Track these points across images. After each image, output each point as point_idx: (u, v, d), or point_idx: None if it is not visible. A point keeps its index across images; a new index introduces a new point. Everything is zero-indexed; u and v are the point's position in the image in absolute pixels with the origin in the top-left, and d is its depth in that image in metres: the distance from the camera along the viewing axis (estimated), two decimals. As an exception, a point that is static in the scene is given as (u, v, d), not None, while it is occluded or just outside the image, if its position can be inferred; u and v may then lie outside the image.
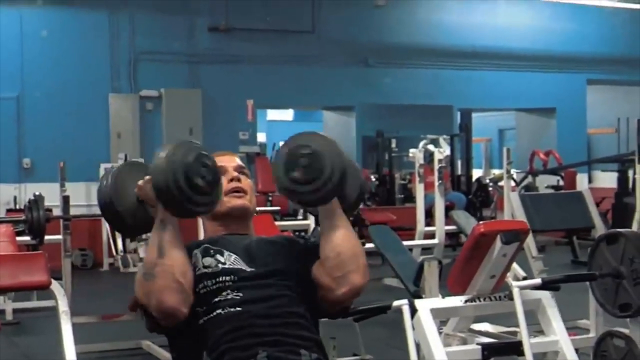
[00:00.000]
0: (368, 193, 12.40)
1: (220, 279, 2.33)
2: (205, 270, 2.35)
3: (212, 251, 2.40)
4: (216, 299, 2.30)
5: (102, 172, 11.14)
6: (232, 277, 2.34)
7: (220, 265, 2.36)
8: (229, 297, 2.31)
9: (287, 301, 2.34)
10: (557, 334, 3.59)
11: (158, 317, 2.26)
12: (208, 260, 2.37)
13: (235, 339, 2.25)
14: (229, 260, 2.39)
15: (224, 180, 2.49)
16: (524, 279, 5.06)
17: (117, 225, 2.45)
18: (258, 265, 2.39)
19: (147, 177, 2.29)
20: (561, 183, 12.49)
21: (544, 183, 12.59)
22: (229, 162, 2.59)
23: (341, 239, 2.36)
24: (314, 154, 2.33)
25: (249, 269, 2.37)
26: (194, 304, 2.29)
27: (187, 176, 2.23)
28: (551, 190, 11.82)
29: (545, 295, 3.63)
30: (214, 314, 2.28)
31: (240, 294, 2.31)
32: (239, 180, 2.55)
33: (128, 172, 2.40)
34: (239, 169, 2.58)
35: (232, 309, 2.29)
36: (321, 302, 2.39)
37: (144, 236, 8.64)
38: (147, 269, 2.24)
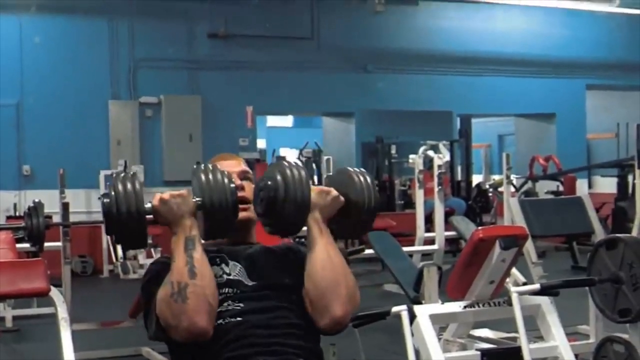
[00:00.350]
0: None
1: (224, 291, 2.33)
2: None
3: (218, 259, 2.39)
4: (218, 310, 2.29)
5: (101, 179, 11.17)
6: (236, 289, 2.35)
7: (225, 277, 2.36)
8: (230, 307, 2.31)
9: (287, 313, 2.34)
10: (557, 339, 3.59)
11: (185, 337, 2.22)
12: (214, 269, 2.35)
13: (235, 348, 2.25)
14: (234, 271, 2.38)
15: None
16: (524, 284, 5.06)
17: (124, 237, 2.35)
18: (260, 278, 2.38)
19: (178, 193, 2.27)
20: (561, 188, 12.50)
21: (544, 188, 12.60)
22: (234, 167, 2.54)
23: (320, 266, 2.30)
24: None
25: (251, 283, 2.37)
26: None
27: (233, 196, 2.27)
28: (551, 196, 11.82)
29: (545, 301, 3.63)
30: (216, 324, 2.27)
31: (241, 305, 2.31)
32: (243, 188, 2.50)
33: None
34: (243, 175, 2.55)
35: (232, 319, 2.29)
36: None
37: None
38: (178, 290, 2.19)
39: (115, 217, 2.21)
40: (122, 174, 2.29)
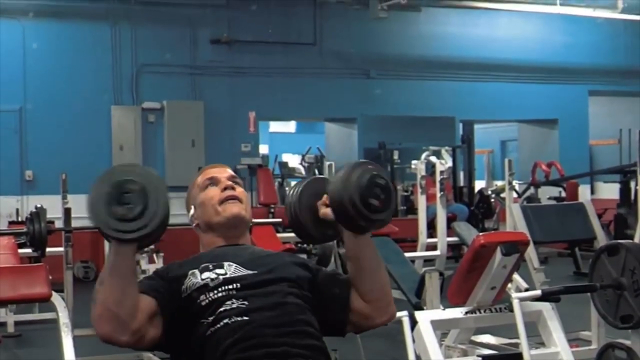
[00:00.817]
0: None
1: (223, 288, 2.31)
2: (205, 281, 2.32)
3: (210, 266, 2.37)
4: (221, 309, 2.28)
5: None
6: (236, 284, 2.32)
7: (221, 277, 2.34)
8: (234, 305, 2.28)
9: (292, 308, 2.32)
10: (558, 345, 3.59)
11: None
12: (206, 274, 2.35)
13: (243, 349, 2.23)
14: (230, 270, 2.36)
15: (217, 189, 2.50)
16: (526, 290, 5.06)
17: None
18: (261, 271, 2.37)
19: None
20: (563, 194, 12.47)
21: (546, 194, 12.58)
22: (221, 172, 2.57)
23: (382, 271, 2.43)
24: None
25: (251, 272, 2.36)
26: (198, 316, 2.28)
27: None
28: (553, 202, 11.80)
29: (546, 307, 3.63)
30: (221, 324, 2.26)
31: (246, 302, 2.29)
32: (232, 188, 2.52)
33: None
34: (231, 179, 2.56)
35: (238, 318, 2.26)
36: (345, 324, 2.43)
37: (146, 247, 8.64)
38: (93, 295, 2.25)
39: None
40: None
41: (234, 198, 2.50)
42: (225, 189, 2.51)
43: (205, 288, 2.31)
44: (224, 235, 2.50)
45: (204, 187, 2.54)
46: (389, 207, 2.37)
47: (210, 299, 2.30)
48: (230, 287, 2.32)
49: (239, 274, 2.35)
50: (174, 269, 2.41)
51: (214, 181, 2.52)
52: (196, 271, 2.35)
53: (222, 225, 2.48)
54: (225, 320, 2.26)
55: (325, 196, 2.38)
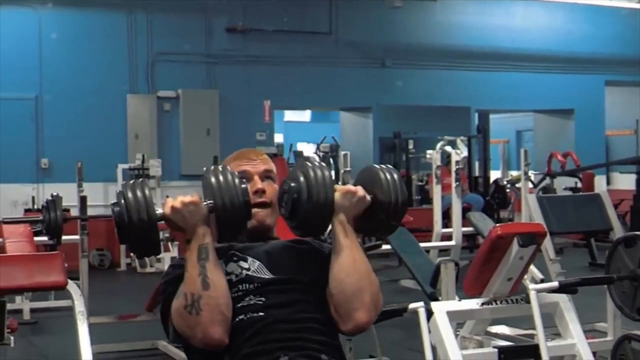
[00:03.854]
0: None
1: (243, 287, 2.32)
2: (229, 277, 2.31)
3: (235, 258, 2.37)
4: (239, 305, 2.28)
5: (119, 172, 11.20)
6: (256, 283, 2.33)
7: (244, 272, 2.34)
8: (252, 302, 2.29)
9: (308, 307, 2.32)
10: (575, 337, 3.57)
11: (201, 346, 2.22)
12: (231, 267, 2.34)
13: (257, 343, 2.24)
14: (253, 266, 2.36)
15: (248, 187, 2.33)
16: (542, 281, 5.03)
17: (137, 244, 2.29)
18: (280, 271, 2.36)
19: (190, 200, 2.22)
20: (579, 185, 12.42)
21: (562, 185, 12.54)
22: (255, 166, 2.49)
23: (345, 273, 2.28)
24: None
25: (271, 276, 2.34)
26: None
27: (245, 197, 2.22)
28: (569, 192, 11.75)
29: (563, 299, 3.61)
30: (237, 319, 2.26)
31: (263, 299, 2.30)
32: (264, 192, 2.45)
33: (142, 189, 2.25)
34: (264, 175, 2.48)
35: (254, 314, 2.27)
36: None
37: (160, 236, 8.67)
38: (192, 302, 2.18)
39: (127, 225, 2.17)
40: (132, 181, 2.25)
41: (264, 205, 2.44)
42: (255, 192, 2.43)
43: (229, 284, 2.29)
44: (248, 237, 2.45)
45: None
46: None
47: (231, 295, 2.29)
48: (251, 285, 2.32)
49: (260, 275, 2.35)
50: None
51: (246, 176, 2.43)
52: (222, 262, 2.33)
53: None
54: (242, 317, 2.27)
55: (344, 187, 2.33)
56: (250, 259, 2.37)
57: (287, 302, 2.30)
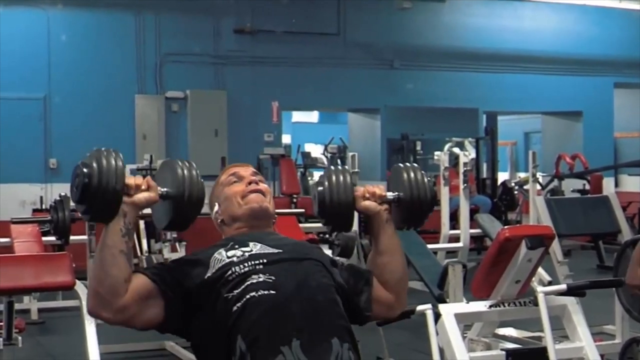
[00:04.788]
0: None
1: (250, 263, 2.35)
2: (232, 259, 2.37)
3: (236, 245, 2.42)
4: (248, 283, 2.30)
5: (127, 173, 11.17)
6: (262, 260, 2.36)
7: (247, 254, 2.38)
8: (261, 279, 2.31)
9: (319, 286, 2.36)
10: (583, 339, 3.57)
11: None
12: (232, 252, 2.39)
13: (269, 324, 2.25)
14: (255, 248, 2.41)
15: (241, 185, 2.56)
16: (550, 283, 5.03)
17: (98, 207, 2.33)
18: (286, 250, 2.42)
19: (146, 194, 2.32)
20: (587, 187, 12.40)
21: (570, 187, 12.51)
22: (244, 170, 2.63)
23: (405, 262, 2.57)
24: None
25: (277, 250, 2.40)
26: (223, 291, 2.30)
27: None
28: (577, 194, 11.74)
29: (571, 301, 3.60)
30: (248, 296, 2.28)
31: (273, 277, 2.32)
32: (256, 183, 2.57)
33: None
34: (254, 175, 2.61)
35: (265, 292, 2.29)
36: (367, 314, 2.48)
37: (168, 236, 8.63)
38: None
39: (95, 188, 2.24)
40: (106, 149, 2.33)
41: (258, 191, 2.56)
42: (249, 183, 2.56)
43: (230, 264, 2.35)
44: (248, 225, 2.52)
45: (228, 184, 2.58)
46: None
47: (236, 273, 2.33)
48: (257, 262, 2.36)
49: (265, 251, 2.40)
50: (198, 252, 2.46)
51: (237, 177, 2.58)
52: (222, 250, 2.40)
53: (246, 216, 2.51)
54: (252, 294, 2.29)
55: (365, 189, 2.51)
56: (251, 244, 2.43)
57: (298, 280, 2.34)
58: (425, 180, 2.56)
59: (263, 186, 2.58)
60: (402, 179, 2.53)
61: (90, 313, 2.32)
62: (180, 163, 2.43)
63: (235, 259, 2.36)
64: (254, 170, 2.65)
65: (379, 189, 2.53)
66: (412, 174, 2.54)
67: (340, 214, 2.51)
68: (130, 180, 2.32)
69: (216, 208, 2.59)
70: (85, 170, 2.26)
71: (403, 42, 13.80)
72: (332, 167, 2.58)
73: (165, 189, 2.36)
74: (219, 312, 2.29)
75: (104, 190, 2.24)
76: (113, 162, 2.28)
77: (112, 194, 2.25)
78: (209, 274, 2.35)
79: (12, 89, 11.31)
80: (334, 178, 2.50)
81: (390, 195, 2.52)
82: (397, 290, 2.52)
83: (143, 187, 2.32)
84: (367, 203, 2.50)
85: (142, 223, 10.50)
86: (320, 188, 2.51)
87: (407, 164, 2.62)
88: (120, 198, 2.28)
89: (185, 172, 2.40)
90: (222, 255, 2.38)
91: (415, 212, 2.53)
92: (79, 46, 11.94)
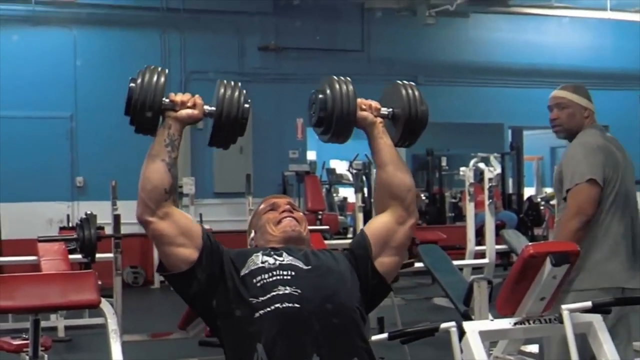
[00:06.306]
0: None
1: (277, 272, 2.41)
2: (263, 265, 2.43)
3: (272, 252, 2.49)
4: (274, 293, 2.35)
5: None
6: (290, 272, 2.41)
7: (278, 262, 2.44)
8: (287, 291, 2.36)
9: (342, 305, 2.39)
10: (609, 357, 3.53)
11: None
12: (266, 258, 2.46)
13: (291, 337, 2.30)
14: (287, 259, 2.47)
15: (275, 213, 2.64)
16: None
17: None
18: (316, 262, 2.48)
19: (190, 110, 2.53)
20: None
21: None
22: (281, 200, 2.72)
23: (408, 170, 2.65)
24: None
25: (306, 267, 2.45)
26: (250, 295, 2.36)
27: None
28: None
29: (597, 318, 3.57)
30: (272, 307, 2.33)
31: (299, 291, 2.36)
32: (290, 211, 2.65)
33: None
34: (289, 204, 2.69)
35: (289, 304, 2.33)
36: (385, 257, 2.55)
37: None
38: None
39: (136, 101, 2.50)
40: (153, 67, 2.60)
41: (291, 217, 2.64)
42: (283, 211, 2.65)
43: (261, 270, 2.41)
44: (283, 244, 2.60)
45: (264, 212, 2.68)
46: None
47: (264, 281, 2.39)
48: (286, 272, 2.41)
49: (295, 264, 2.45)
50: (246, 249, 2.57)
51: (274, 207, 2.67)
52: (260, 253, 2.49)
53: (280, 240, 2.53)
54: (278, 305, 2.33)
55: (361, 101, 2.66)
56: (285, 254, 2.49)
57: (322, 296, 2.37)
58: (421, 97, 2.70)
59: (298, 214, 2.66)
60: (398, 96, 2.65)
61: (138, 219, 2.47)
62: (225, 83, 2.59)
63: (267, 265, 2.43)
64: (290, 201, 2.73)
65: (375, 102, 2.66)
66: (409, 91, 2.68)
67: (342, 123, 2.57)
68: (177, 97, 2.51)
69: (252, 235, 2.69)
70: (131, 84, 2.53)
71: (427, 57, 13.81)
72: (334, 76, 2.63)
73: (211, 108, 2.53)
74: (242, 312, 2.36)
75: (142, 103, 2.47)
76: (155, 78, 2.54)
77: (150, 108, 2.46)
78: (243, 272, 2.43)
79: (39, 108, 11.42)
80: (337, 86, 2.57)
81: (384, 110, 2.63)
82: (408, 201, 2.58)
83: (189, 104, 2.51)
84: (365, 113, 2.63)
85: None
86: (321, 95, 2.60)
87: (403, 81, 2.73)
88: (158, 111, 2.47)
89: (228, 91, 2.55)
90: (258, 259, 2.46)
91: (410, 127, 2.65)
92: (104, 65, 12.03)
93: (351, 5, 13.37)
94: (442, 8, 12.46)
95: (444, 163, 13.85)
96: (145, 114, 2.47)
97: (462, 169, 8.84)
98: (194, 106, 2.51)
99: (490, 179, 8.27)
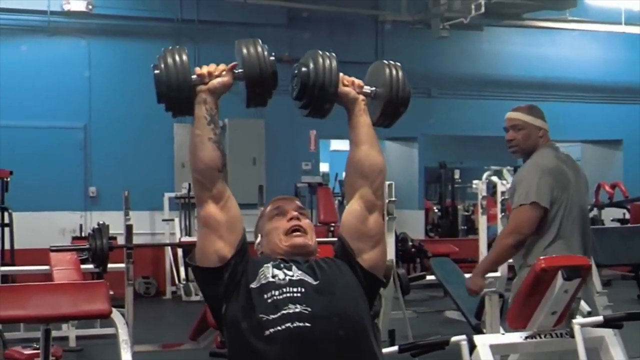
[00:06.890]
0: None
1: (288, 290, 2.37)
2: (273, 280, 2.39)
3: (282, 265, 2.45)
4: (284, 311, 2.33)
5: (166, 201, 11.29)
6: (300, 289, 2.38)
7: (287, 278, 2.40)
8: (297, 310, 2.33)
9: (354, 320, 2.37)
10: (621, 372, 3.52)
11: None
12: (276, 272, 2.42)
13: (303, 357, 2.28)
14: (296, 273, 2.43)
15: (283, 220, 2.57)
16: (589, 314, 4.97)
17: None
18: (323, 280, 2.43)
19: (220, 80, 2.57)
20: (627, 216, 12.27)
21: (610, 216, 12.38)
22: (288, 203, 2.64)
23: (381, 152, 2.63)
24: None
25: (315, 282, 2.41)
26: (259, 310, 2.33)
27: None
28: (617, 224, 11.62)
29: (608, 333, 3.56)
30: (283, 327, 2.30)
31: (309, 309, 2.33)
32: (298, 219, 2.58)
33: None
34: (297, 209, 2.62)
35: (300, 324, 2.31)
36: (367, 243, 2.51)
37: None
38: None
39: (165, 86, 2.51)
40: (171, 48, 2.59)
41: (299, 229, 2.56)
42: (291, 219, 2.58)
43: (271, 286, 2.38)
44: (288, 258, 2.54)
45: (271, 217, 2.62)
46: None
47: (275, 297, 2.35)
48: (295, 290, 2.38)
49: (305, 279, 2.41)
50: (258, 258, 2.53)
51: (281, 211, 2.61)
52: (270, 265, 2.44)
53: (286, 253, 2.51)
54: (288, 324, 2.31)
55: (343, 77, 2.62)
56: (294, 267, 2.45)
57: (332, 314, 2.34)
58: (405, 79, 2.66)
59: (305, 222, 2.59)
60: (382, 75, 2.62)
61: (197, 200, 2.53)
62: (244, 42, 2.62)
63: (277, 280, 2.39)
64: (299, 204, 2.66)
65: (358, 80, 2.63)
66: (394, 71, 2.64)
67: (323, 97, 2.58)
68: (203, 69, 2.54)
69: (259, 239, 2.63)
70: (155, 72, 2.53)
71: (441, 70, 13.80)
72: (318, 50, 2.62)
73: (239, 70, 2.55)
74: (249, 326, 2.33)
75: (172, 86, 2.49)
76: (177, 57, 2.54)
77: (181, 88, 2.48)
78: (253, 285, 2.40)
79: (53, 118, 11.47)
80: (320, 60, 2.56)
81: (367, 88, 2.61)
82: (377, 183, 2.54)
83: (216, 73, 2.54)
84: (347, 89, 2.60)
85: (180, 251, 10.58)
86: (304, 69, 2.59)
87: (389, 61, 2.69)
88: (188, 88, 2.49)
89: (251, 49, 2.58)
90: (269, 272, 2.42)
91: (391, 108, 2.62)
92: (119, 75, 12.07)
93: (365, 17, 13.38)
94: (456, 21, 12.45)
95: (456, 176, 13.83)
96: (177, 96, 2.50)
97: (474, 181, 8.80)
98: (222, 73, 2.54)
99: (502, 192, 8.24)
